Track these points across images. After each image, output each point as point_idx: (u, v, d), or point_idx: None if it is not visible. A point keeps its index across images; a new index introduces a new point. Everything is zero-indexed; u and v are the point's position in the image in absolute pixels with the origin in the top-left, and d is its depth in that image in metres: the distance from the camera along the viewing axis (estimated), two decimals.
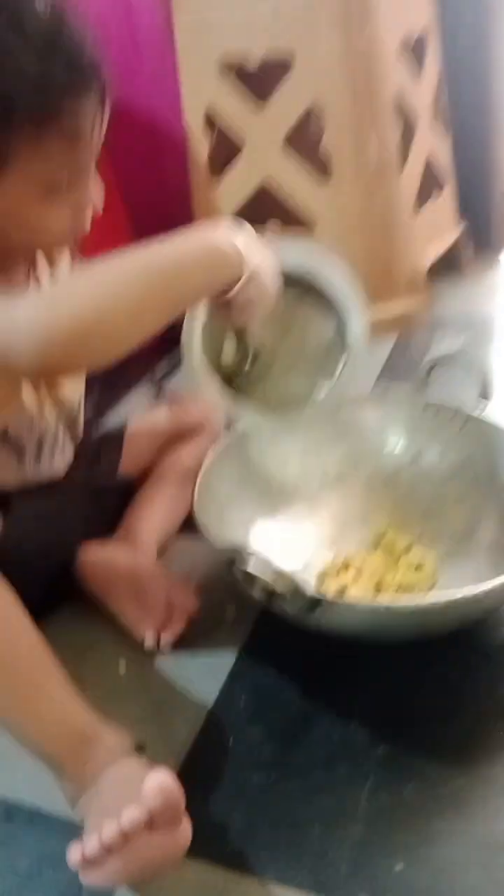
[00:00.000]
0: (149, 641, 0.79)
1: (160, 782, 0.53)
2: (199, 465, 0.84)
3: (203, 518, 0.76)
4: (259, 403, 0.81)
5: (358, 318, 0.81)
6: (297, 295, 0.82)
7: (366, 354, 0.82)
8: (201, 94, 1.41)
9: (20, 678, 0.59)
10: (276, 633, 0.77)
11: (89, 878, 0.54)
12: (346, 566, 0.84)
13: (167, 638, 0.78)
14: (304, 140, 1.35)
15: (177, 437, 0.99)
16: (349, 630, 0.69)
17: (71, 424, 0.87)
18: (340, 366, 0.83)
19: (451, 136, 1.58)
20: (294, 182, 1.37)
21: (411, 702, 0.70)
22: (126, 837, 0.51)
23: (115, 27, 1.52)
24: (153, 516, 0.93)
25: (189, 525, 0.92)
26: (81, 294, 0.58)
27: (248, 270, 0.64)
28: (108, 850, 0.52)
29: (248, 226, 0.69)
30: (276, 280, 0.70)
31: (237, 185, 1.44)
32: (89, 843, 0.52)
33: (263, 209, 1.45)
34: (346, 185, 1.34)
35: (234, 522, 0.83)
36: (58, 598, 0.84)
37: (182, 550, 0.92)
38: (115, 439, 0.98)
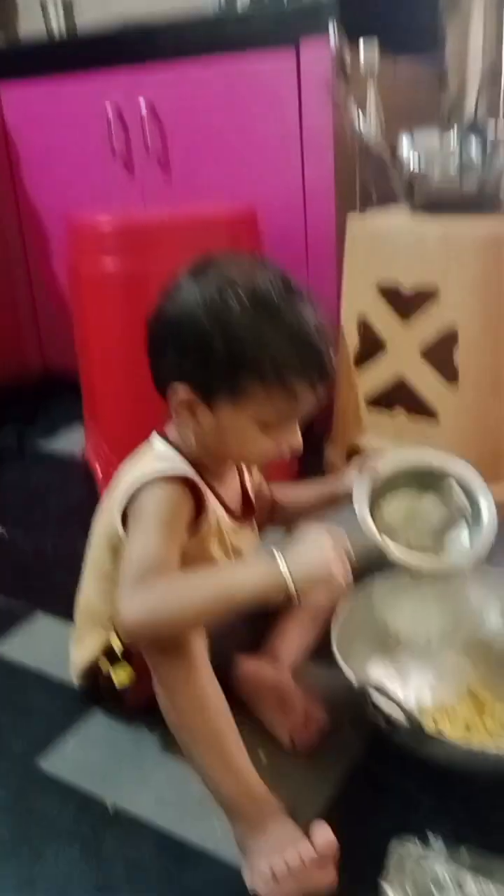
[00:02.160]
0: (286, 741, 1.04)
1: (327, 835, 0.81)
2: (331, 603, 1.07)
3: (340, 653, 1.00)
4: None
5: (487, 498, 1.06)
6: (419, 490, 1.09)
7: (495, 530, 1.05)
8: (357, 304, 1.76)
9: (225, 745, 0.87)
10: (387, 752, 1.01)
11: (268, 892, 0.80)
12: (438, 710, 1.07)
13: (305, 742, 1.03)
14: (439, 352, 1.66)
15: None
16: (446, 762, 0.93)
17: None
18: (470, 539, 1.06)
19: None
20: (425, 383, 1.68)
21: (492, 822, 0.91)
22: (304, 865, 0.78)
23: (293, 246, 1.91)
24: (292, 642, 1.18)
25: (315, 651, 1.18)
26: (164, 606, 0.85)
27: (291, 587, 0.84)
28: (291, 872, 0.78)
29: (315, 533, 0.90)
30: (333, 573, 0.86)
31: (376, 377, 1.76)
32: (277, 864, 0.79)
33: (397, 399, 1.75)
34: (468, 392, 1.63)
35: (357, 659, 1.07)
36: None
37: (310, 670, 1.16)
38: None
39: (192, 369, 0.93)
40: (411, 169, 1.64)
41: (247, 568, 0.91)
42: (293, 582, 0.84)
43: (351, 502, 1.07)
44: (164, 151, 2.05)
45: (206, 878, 0.87)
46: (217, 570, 0.94)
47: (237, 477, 1.11)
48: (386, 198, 1.80)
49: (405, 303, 1.69)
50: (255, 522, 1.15)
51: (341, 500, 1.13)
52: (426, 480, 1.12)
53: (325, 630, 1.08)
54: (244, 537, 1.11)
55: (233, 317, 0.90)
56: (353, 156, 1.82)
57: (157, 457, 1.02)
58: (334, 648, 1.03)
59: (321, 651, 1.15)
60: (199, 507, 0.99)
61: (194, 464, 1.00)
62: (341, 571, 0.87)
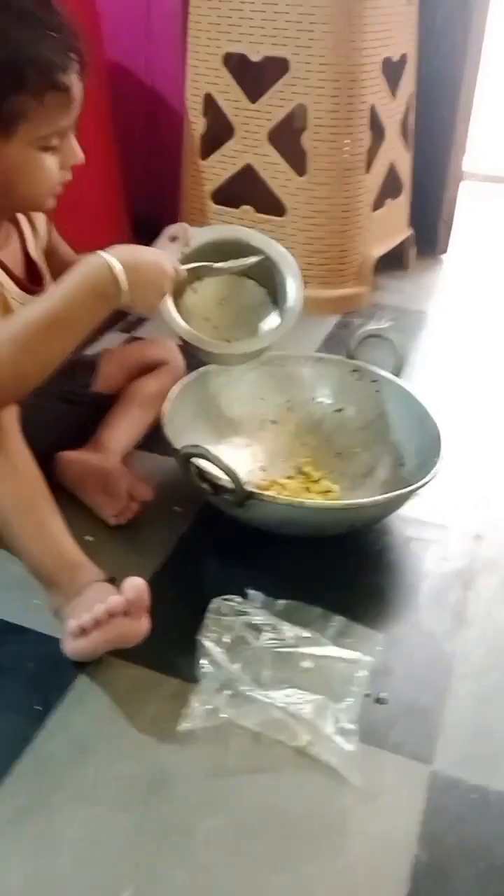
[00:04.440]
0: (112, 521, 1.01)
1: (136, 583, 0.77)
2: (161, 393, 1.05)
3: (168, 432, 0.97)
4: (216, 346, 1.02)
5: (295, 279, 1.01)
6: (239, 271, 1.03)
7: (299, 314, 1.02)
8: (204, 80, 1.60)
9: (35, 514, 0.81)
10: (210, 525, 1.01)
11: (75, 647, 0.78)
12: (270, 485, 1.07)
13: (126, 516, 1.00)
14: (288, 136, 1.56)
15: (144, 368, 1.19)
16: (268, 521, 0.93)
17: None
18: (276, 322, 1.03)
19: (414, 149, 1.80)
20: (273, 171, 1.58)
21: (302, 578, 0.94)
22: (110, 614, 0.75)
23: (135, 15, 1.70)
24: (120, 430, 1.13)
25: (146, 443, 1.15)
26: (5, 352, 0.74)
27: (126, 284, 0.78)
28: (96, 623, 0.75)
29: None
30: (164, 268, 0.84)
31: (223, 165, 1.64)
32: (84, 617, 0.75)
33: (242, 190, 1.65)
34: (317, 180, 1.55)
35: (188, 441, 1.05)
36: None
37: (141, 460, 1.14)
38: (90, 363, 1.18)
39: None
40: None
41: (70, 279, 0.79)
42: (121, 266, 0.78)
43: None
44: None
45: (24, 650, 0.84)
46: (40, 297, 0.81)
47: (18, 241, 0.97)
48: None
49: (254, 79, 1.55)
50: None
51: None
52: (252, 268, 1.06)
53: (157, 423, 1.04)
54: None
55: None
56: None
57: None
58: (162, 423, 0.99)
59: (154, 442, 1.12)
60: None
61: None
62: (170, 265, 0.85)
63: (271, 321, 1.05)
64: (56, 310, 0.77)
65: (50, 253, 1.04)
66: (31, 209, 0.95)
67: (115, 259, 0.79)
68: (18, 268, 0.96)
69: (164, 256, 0.87)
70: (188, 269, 0.95)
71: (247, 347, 1.03)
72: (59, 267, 1.08)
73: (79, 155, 0.86)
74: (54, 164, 0.84)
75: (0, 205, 0.88)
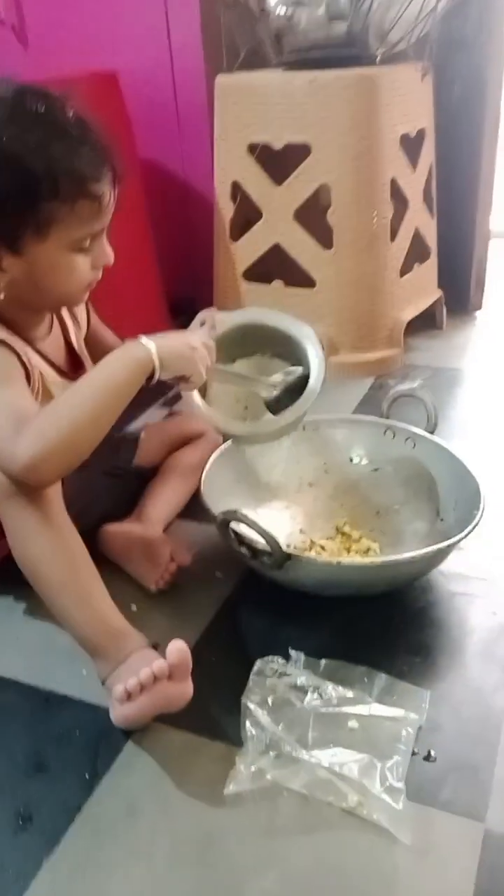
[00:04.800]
0: (153, 587, 1.03)
1: (179, 646, 0.79)
2: (201, 464, 1.09)
3: (207, 499, 1.00)
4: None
5: (317, 360, 1.04)
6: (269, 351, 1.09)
7: (318, 389, 1.04)
8: (230, 170, 1.70)
9: (80, 585, 0.84)
10: (253, 589, 1.02)
11: (122, 713, 0.80)
12: (310, 547, 1.08)
13: (165, 580, 1.03)
14: (313, 214, 1.63)
15: (182, 440, 1.23)
16: (308, 582, 0.94)
17: None
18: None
19: (439, 215, 1.86)
20: (301, 247, 1.64)
21: (346, 639, 0.94)
22: (155, 679, 0.77)
23: (164, 114, 1.83)
24: (162, 501, 1.17)
25: (188, 512, 1.18)
26: (55, 430, 0.80)
27: (158, 362, 0.85)
28: (141, 687, 0.77)
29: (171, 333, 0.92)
30: (191, 345, 0.90)
31: (253, 245, 1.72)
32: (130, 682, 0.77)
33: (272, 267, 1.72)
34: (343, 252, 1.61)
35: (226, 507, 1.07)
36: None
37: (183, 529, 1.16)
38: (133, 438, 1.23)
39: None
40: (278, 14, 1.56)
41: (110, 360, 0.85)
42: (156, 354, 0.84)
43: None
44: (20, 19, 1.90)
45: (72, 720, 0.86)
46: (83, 378, 0.87)
47: (60, 331, 1.04)
48: (256, 59, 1.71)
49: (278, 164, 1.63)
50: None
51: None
52: (278, 347, 1.10)
53: (197, 491, 1.07)
54: None
55: (4, 142, 0.81)
56: (220, 13, 1.73)
57: None
58: (201, 490, 1.02)
59: (195, 511, 1.14)
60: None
61: (5, 323, 0.92)
62: (203, 350, 0.90)
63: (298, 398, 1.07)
64: (102, 386, 0.83)
65: (93, 339, 1.11)
66: (65, 305, 1.02)
67: (151, 343, 0.85)
68: (61, 357, 1.02)
69: (192, 335, 0.94)
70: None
71: (267, 427, 1.06)
72: (104, 351, 1.15)
73: (109, 256, 0.92)
74: (86, 265, 0.90)
75: (37, 302, 0.95)
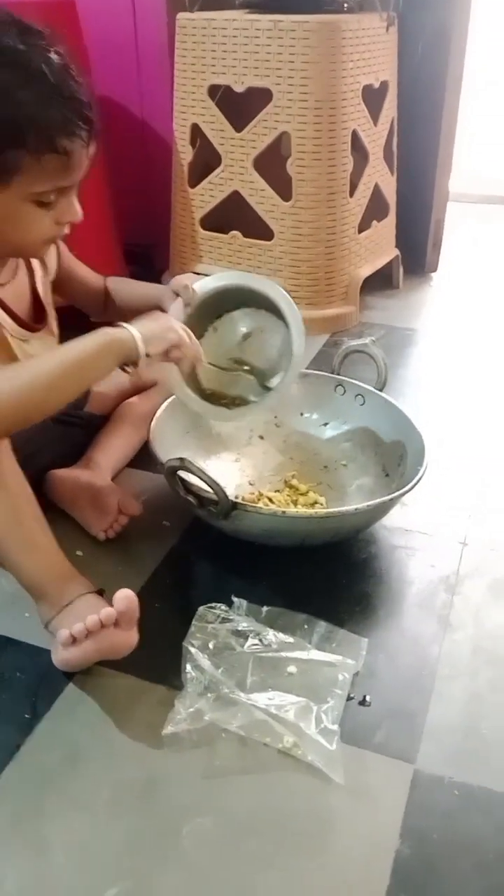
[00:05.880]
0: (101, 535, 1.03)
1: (127, 594, 0.79)
2: (151, 413, 1.08)
3: (156, 448, 1.00)
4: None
5: (299, 336, 1.02)
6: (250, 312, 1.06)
7: (301, 365, 1.04)
8: (190, 112, 1.65)
9: (26, 529, 0.83)
10: (199, 538, 1.03)
11: (65, 657, 0.79)
12: (258, 498, 1.09)
13: (114, 530, 1.02)
14: (274, 163, 1.60)
15: (134, 389, 1.21)
16: (253, 531, 0.94)
17: None
18: (285, 371, 1.04)
19: (398, 174, 1.85)
20: (260, 197, 1.62)
21: (289, 588, 0.95)
22: (101, 625, 0.77)
23: (123, 50, 1.76)
24: (111, 449, 1.15)
25: (137, 461, 1.17)
26: (13, 392, 0.78)
27: (141, 342, 0.84)
28: (87, 633, 0.77)
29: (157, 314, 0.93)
30: (174, 329, 0.90)
31: (211, 192, 1.68)
32: (76, 626, 0.77)
33: (230, 216, 1.70)
34: (302, 204, 1.59)
35: (176, 454, 1.07)
36: None
37: (132, 477, 1.16)
38: None
39: None
40: None
41: (88, 336, 0.83)
42: (139, 337, 0.83)
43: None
44: None
45: (13, 661, 0.85)
46: (54, 350, 0.85)
47: (26, 276, 1.00)
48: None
49: (239, 109, 1.60)
50: (53, 328, 1.06)
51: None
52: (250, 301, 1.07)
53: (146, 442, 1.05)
54: (39, 347, 1.00)
55: None
56: None
57: None
58: (150, 439, 1.01)
59: (144, 460, 1.14)
60: None
61: None
62: (185, 334, 0.89)
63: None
64: (70, 362, 0.81)
65: (67, 275, 1.08)
66: (23, 256, 0.98)
67: (133, 327, 0.85)
68: (24, 304, 0.99)
69: (174, 321, 0.93)
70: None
71: (250, 413, 1.05)
72: (80, 289, 1.13)
73: (77, 213, 0.87)
74: (48, 219, 0.86)
75: None
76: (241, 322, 1.07)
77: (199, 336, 1.03)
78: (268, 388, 1.05)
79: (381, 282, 1.87)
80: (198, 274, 1.17)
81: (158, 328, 0.89)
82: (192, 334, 0.93)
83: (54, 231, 0.88)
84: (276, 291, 1.03)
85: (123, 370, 0.87)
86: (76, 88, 0.80)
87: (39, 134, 0.78)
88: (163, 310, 1.03)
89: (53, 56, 0.78)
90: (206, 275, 1.08)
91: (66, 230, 0.89)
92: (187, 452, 1.03)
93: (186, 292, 1.02)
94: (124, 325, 0.86)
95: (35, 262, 1.01)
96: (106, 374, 0.86)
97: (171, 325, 0.91)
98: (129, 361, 0.86)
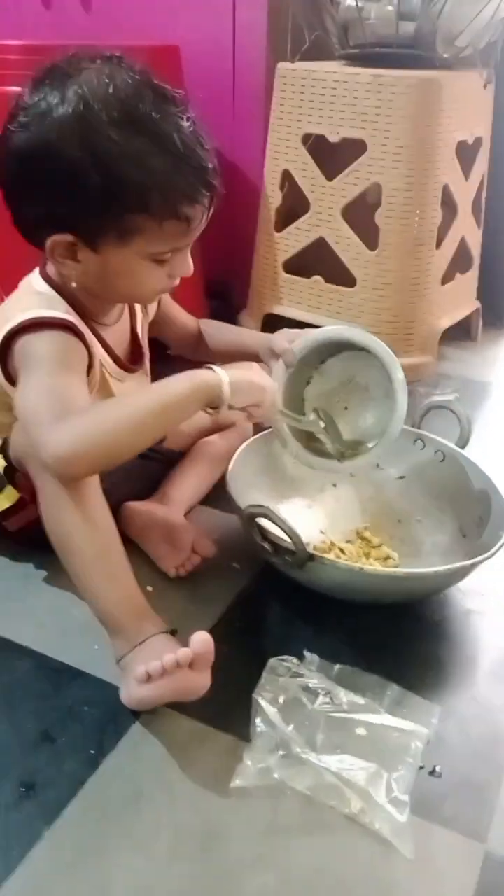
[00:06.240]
0: (171, 572, 1.03)
1: (204, 637, 0.78)
2: (229, 452, 1.08)
3: (233, 490, 1.00)
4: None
5: (402, 393, 1.03)
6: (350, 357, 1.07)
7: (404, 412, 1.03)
8: (282, 158, 1.68)
9: (110, 563, 0.84)
10: (269, 585, 1.02)
11: (137, 694, 0.79)
12: (329, 548, 1.08)
13: (186, 569, 1.03)
14: (360, 212, 1.61)
15: (213, 428, 1.23)
16: (327, 584, 0.93)
17: None
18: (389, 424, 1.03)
19: (484, 227, 1.84)
20: (345, 244, 1.63)
21: (360, 644, 0.94)
22: (178, 666, 0.76)
23: (221, 94, 1.81)
24: (187, 485, 1.17)
25: (209, 499, 1.18)
26: (99, 429, 0.79)
27: (228, 390, 0.85)
28: (163, 672, 0.77)
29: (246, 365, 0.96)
30: (263, 389, 0.91)
31: (297, 237, 1.70)
32: (152, 664, 0.77)
33: (314, 262, 1.71)
34: (387, 254, 1.60)
35: (251, 499, 1.07)
36: None
37: (203, 515, 1.17)
38: None
39: (68, 215, 0.81)
40: (349, 5, 1.54)
41: (178, 379, 0.84)
42: (228, 386, 0.84)
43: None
44: None
45: (82, 695, 0.86)
46: (143, 390, 0.87)
47: (128, 318, 1.03)
48: (319, 50, 1.69)
49: (331, 158, 1.62)
50: (147, 368, 1.08)
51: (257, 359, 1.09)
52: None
53: (223, 479, 1.06)
54: (134, 387, 1.03)
55: (103, 141, 0.77)
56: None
57: (34, 301, 0.90)
58: (227, 480, 1.01)
59: (217, 499, 1.14)
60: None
61: (75, 306, 0.91)
62: (271, 388, 0.91)
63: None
64: (161, 404, 0.83)
65: (164, 317, 1.11)
66: (133, 303, 1.02)
67: (222, 370, 0.86)
68: (124, 345, 1.02)
69: (265, 378, 0.95)
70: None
71: (353, 467, 1.06)
72: (176, 330, 1.16)
73: (189, 269, 0.89)
74: (162, 275, 0.88)
75: (105, 296, 0.94)
76: (340, 369, 1.09)
77: (305, 381, 1.07)
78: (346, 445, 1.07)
79: (459, 333, 1.85)
80: (289, 322, 1.18)
81: (248, 385, 0.89)
82: (277, 398, 0.96)
83: (166, 284, 0.90)
84: (378, 346, 1.03)
85: (205, 410, 0.88)
86: (203, 156, 0.82)
87: (165, 201, 0.80)
88: (258, 360, 1.05)
89: (185, 123, 0.80)
90: (298, 322, 1.10)
91: (177, 283, 0.92)
92: (261, 495, 1.05)
93: (289, 356, 1.03)
94: (215, 368, 0.87)
95: (138, 305, 1.03)
96: (191, 416, 0.88)
97: (262, 385, 0.92)
98: (212, 406, 0.87)
